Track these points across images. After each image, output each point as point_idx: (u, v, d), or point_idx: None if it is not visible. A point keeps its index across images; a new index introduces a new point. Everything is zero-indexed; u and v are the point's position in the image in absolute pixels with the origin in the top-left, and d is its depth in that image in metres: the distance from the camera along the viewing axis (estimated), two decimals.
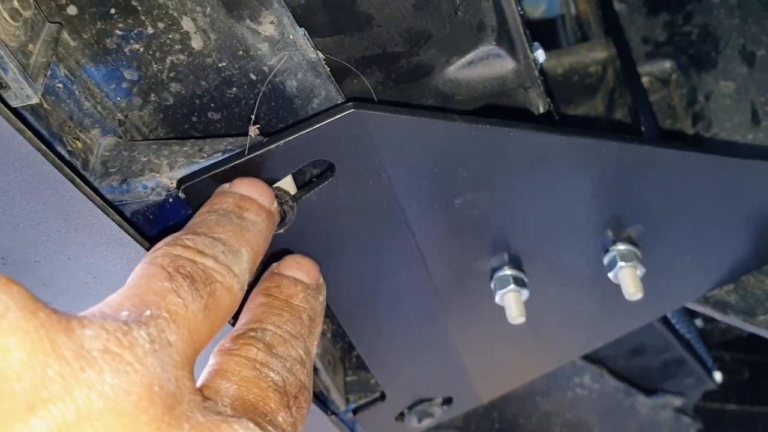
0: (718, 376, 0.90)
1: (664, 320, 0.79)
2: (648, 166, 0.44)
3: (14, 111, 0.33)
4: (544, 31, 0.75)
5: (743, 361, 1.05)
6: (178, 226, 0.40)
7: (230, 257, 0.33)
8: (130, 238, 0.36)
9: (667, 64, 0.68)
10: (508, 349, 0.60)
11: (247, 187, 0.37)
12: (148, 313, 0.27)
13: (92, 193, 0.34)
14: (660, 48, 0.69)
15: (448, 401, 0.64)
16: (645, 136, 0.58)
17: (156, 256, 0.31)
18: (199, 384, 0.31)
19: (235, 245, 0.33)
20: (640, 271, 0.48)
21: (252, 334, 0.35)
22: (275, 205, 0.38)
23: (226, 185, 0.38)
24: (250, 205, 0.36)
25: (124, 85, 0.40)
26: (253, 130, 0.38)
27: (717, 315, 0.58)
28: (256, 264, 0.36)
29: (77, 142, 0.38)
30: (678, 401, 0.92)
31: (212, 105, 0.41)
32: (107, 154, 0.39)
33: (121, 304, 0.28)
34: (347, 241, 0.45)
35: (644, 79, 0.68)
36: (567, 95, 0.70)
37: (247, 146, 0.38)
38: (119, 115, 0.41)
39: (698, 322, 0.93)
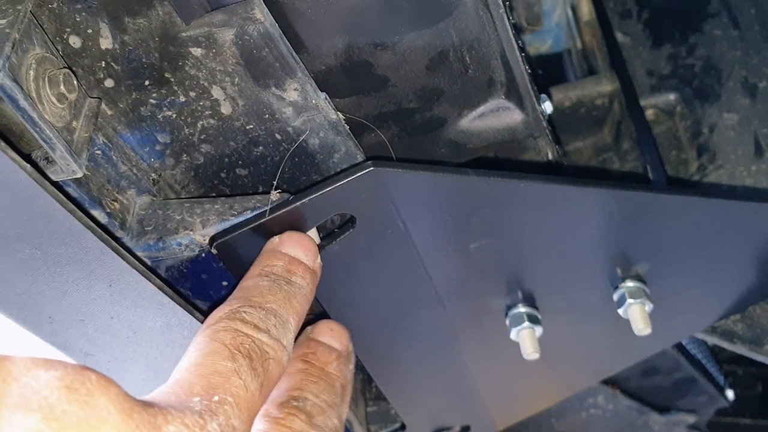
0: (730, 393, 0.91)
1: None
2: (654, 211, 0.46)
3: (57, 184, 0.35)
4: (551, 65, 0.77)
5: (756, 375, 1.05)
6: (209, 279, 0.42)
7: (281, 330, 0.36)
8: (169, 299, 0.38)
9: (672, 97, 0.69)
10: (522, 379, 0.62)
11: (295, 247, 0.40)
12: (216, 399, 0.31)
13: (135, 261, 0.36)
14: (664, 80, 0.71)
15: (465, 429, 0.66)
16: (652, 181, 0.59)
17: (217, 330, 0.34)
18: None
19: (284, 315, 0.37)
20: (648, 307, 0.50)
21: (294, 403, 0.40)
22: (318, 260, 0.42)
23: (276, 239, 0.41)
24: (297, 269, 0.40)
25: (158, 147, 0.42)
26: (275, 195, 0.41)
27: (724, 344, 0.59)
28: (299, 327, 0.39)
29: (115, 203, 0.40)
30: (691, 418, 0.93)
31: (240, 162, 0.43)
32: (143, 212, 0.42)
33: (193, 385, 0.31)
34: (368, 285, 0.48)
35: (650, 112, 0.70)
36: (575, 127, 0.71)
37: (269, 208, 0.40)
38: (153, 174, 0.43)
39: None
